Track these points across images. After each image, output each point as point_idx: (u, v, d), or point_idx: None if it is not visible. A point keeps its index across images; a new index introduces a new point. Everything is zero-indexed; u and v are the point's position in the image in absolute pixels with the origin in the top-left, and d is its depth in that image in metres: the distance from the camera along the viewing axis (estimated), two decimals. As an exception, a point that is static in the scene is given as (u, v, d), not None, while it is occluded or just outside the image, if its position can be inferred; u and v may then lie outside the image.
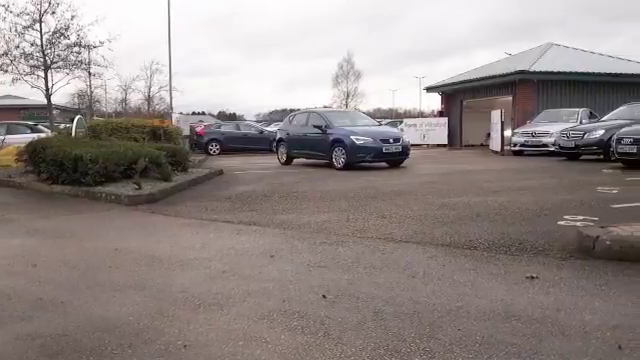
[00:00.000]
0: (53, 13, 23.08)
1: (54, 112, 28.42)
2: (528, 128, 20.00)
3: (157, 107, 54.93)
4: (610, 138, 13.93)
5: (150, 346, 3.26)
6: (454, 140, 28.70)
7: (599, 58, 27.29)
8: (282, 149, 17.61)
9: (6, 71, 23.02)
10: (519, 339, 3.23)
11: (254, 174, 14.34)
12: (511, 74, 24.42)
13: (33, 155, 11.34)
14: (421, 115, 57.47)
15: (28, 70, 23.39)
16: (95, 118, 33.64)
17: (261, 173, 14.56)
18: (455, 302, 3.90)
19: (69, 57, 23.82)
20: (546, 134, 18.64)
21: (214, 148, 26.48)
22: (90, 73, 28.13)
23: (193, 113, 75.35)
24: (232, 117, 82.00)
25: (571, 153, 16.26)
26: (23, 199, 9.91)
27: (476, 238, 5.85)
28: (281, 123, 21.34)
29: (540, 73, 24.02)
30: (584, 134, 15.85)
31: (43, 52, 23.14)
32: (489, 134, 23.63)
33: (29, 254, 5.64)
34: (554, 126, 18.48)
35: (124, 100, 56.79)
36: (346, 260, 5.14)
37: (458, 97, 29.47)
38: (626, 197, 8.29)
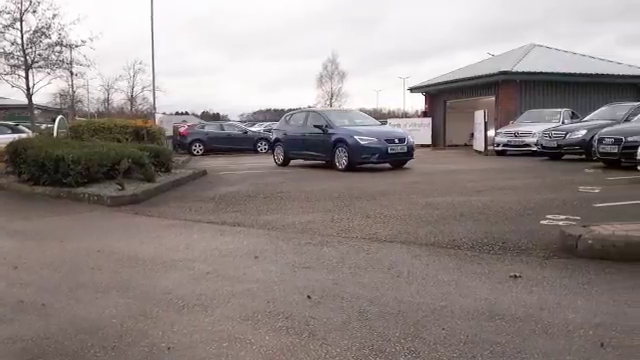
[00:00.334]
0: (34, 12, 22.79)
1: (35, 112, 28.09)
2: (511, 128, 20.16)
3: (140, 107, 54.65)
4: (592, 138, 14.08)
5: (133, 348, 3.23)
6: (438, 140, 28.84)
7: (581, 59, 27.60)
8: (279, 150, 16.99)
9: (-15, 71, 22.71)
10: (503, 338, 3.25)
11: (242, 175, 14.28)
12: (494, 75, 24.62)
13: (14, 156, 11.19)
14: (405, 115, 57.68)
15: (8, 70, 23.05)
16: (77, 118, 33.33)
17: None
18: (439, 301, 3.91)
19: (50, 56, 23.54)
20: (529, 134, 18.80)
21: (198, 148, 26.36)
22: (72, 73, 27.77)
23: (176, 113, 75.09)
24: (216, 117, 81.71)
25: (553, 153, 16.42)
26: (3, 200, 9.79)
27: (460, 237, 5.88)
28: (277, 123, 20.58)
29: (523, 74, 24.24)
30: (566, 134, 16.01)
31: (24, 51, 22.85)
32: (472, 134, 23.78)
33: (10, 256, 5.56)
34: (537, 126, 18.64)
35: (107, 100, 56.47)
36: (331, 260, 5.14)
37: (442, 97, 29.62)
38: (607, 196, 8.38)
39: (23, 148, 10.94)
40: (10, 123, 23.96)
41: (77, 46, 24.28)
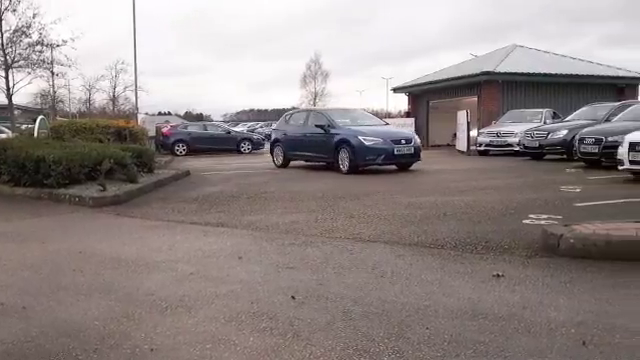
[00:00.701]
0: (14, 11, 22.61)
1: (15, 112, 27.81)
2: (493, 128, 20.30)
3: (122, 107, 54.39)
4: (573, 138, 14.20)
5: (116, 351, 3.20)
6: (421, 141, 28.90)
7: (562, 59, 27.87)
8: (278, 151, 16.37)
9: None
10: (486, 337, 3.27)
11: (226, 175, 14.22)
12: (476, 75, 24.78)
13: (-6, 156, 11.05)
14: (388, 116, 57.69)
15: (-13, 69, 22.85)
16: (58, 118, 32.99)
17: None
18: (423, 301, 3.93)
19: (31, 56, 23.37)
20: (511, 134, 18.93)
21: (181, 149, 26.22)
22: (53, 72, 27.60)
23: (159, 113, 74.62)
24: (199, 117, 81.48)
25: (535, 153, 16.56)
26: (-17, 202, 9.65)
27: (443, 237, 5.90)
28: (275, 124, 19.88)
29: (505, 74, 24.43)
30: (548, 134, 16.16)
31: (4, 51, 22.63)
32: (455, 134, 23.89)
33: (-10, 258, 5.49)
34: (519, 126, 18.79)
35: (88, 100, 56.03)
36: (315, 260, 5.14)
37: (425, 98, 29.75)
38: (588, 196, 8.46)
39: (3, 149, 10.80)
40: (-10, 123, 23.70)
41: (58, 46, 24.14)
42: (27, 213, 8.41)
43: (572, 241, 5.07)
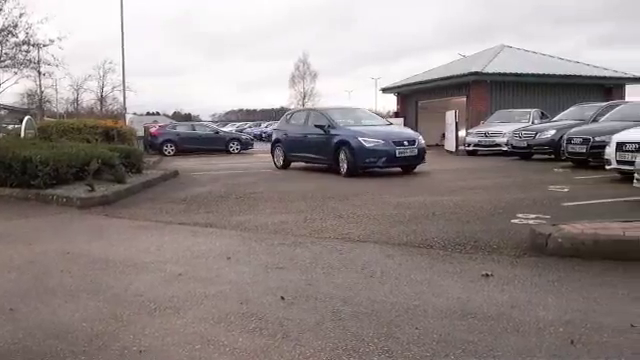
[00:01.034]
0: (0, 10, 22.41)
1: (2, 112, 27.55)
2: (482, 128, 20.40)
3: (110, 107, 54.08)
4: (561, 138, 14.31)
5: (104, 352, 3.18)
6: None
7: (549, 60, 28.05)
8: (279, 152, 15.75)
9: (-50, 70, 22.26)
10: (475, 336, 3.27)
11: (214, 176, 14.18)
12: (465, 75, 24.89)
13: (-20, 157, 10.94)
14: (377, 116, 57.94)
15: (-27, 69, 22.66)
16: (46, 119, 32.74)
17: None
18: (412, 301, 3.93)
19: (17, 56, 23.21)
20: (499, 134, 19.03)
21: (169, 149, 26.11)
22: (40, 72, 27.41)
23: (147, 113, 74.32)
24: (187, 117, 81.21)
25: (523, 153, 16.66)
26: (-31, 202, 9.56)
27: (432, 237, 5.91)
28: (276, 123, 19.03)
29: (493, 74, 24.57)
30: (536, 134, 16.26)
31: (-11, 50, 22.43)
32: (444, 134, 23.97)
33: (-24, 259, 5.44)
34: (507, 126, 18.90)
35: (76, 100, 55.70)
36: (304, 261, 5.13)
37: (413, 98, 29.84)
38: (576, 195, 8.52)
39: (-11, 149, 10.70)
40: (-24, 124, 23.45)
41: (45, 45, 23.98)
42: (14, 214, 8.32)
43: (560, 240, 5.09)
